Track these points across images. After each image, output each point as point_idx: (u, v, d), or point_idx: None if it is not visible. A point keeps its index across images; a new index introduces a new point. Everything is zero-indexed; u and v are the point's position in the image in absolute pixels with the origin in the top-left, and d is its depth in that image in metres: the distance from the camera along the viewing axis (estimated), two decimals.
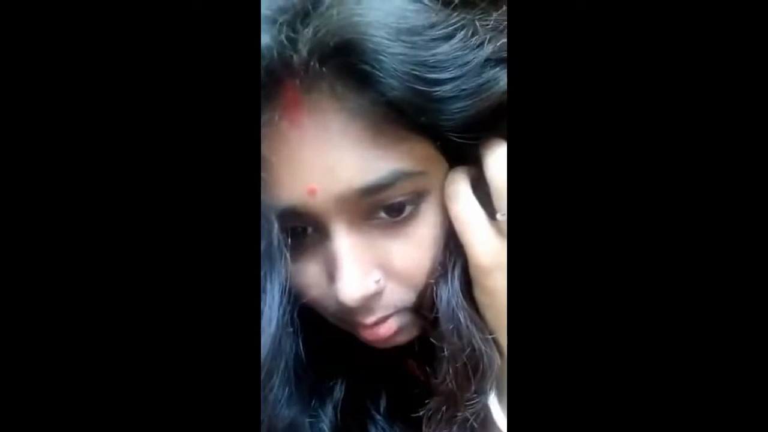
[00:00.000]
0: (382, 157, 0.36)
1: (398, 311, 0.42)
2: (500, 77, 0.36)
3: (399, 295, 0.41)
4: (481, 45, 0.36)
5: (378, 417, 0.51)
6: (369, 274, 0.39)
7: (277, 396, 0.41)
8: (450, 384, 0.41)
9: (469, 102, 0.35)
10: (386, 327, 0.42)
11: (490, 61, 0.36)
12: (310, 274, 0.41)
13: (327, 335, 0.47)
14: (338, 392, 0.49)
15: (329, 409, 0.48)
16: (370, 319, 0.41)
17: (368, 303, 0.40)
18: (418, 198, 0.39)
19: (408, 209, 0.38)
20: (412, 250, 0.40)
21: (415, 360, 0.55)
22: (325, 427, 0.48)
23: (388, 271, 0.40)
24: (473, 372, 0.40)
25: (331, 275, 0.39)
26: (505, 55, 0.36)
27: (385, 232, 0.39)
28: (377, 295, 0.40)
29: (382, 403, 0.52)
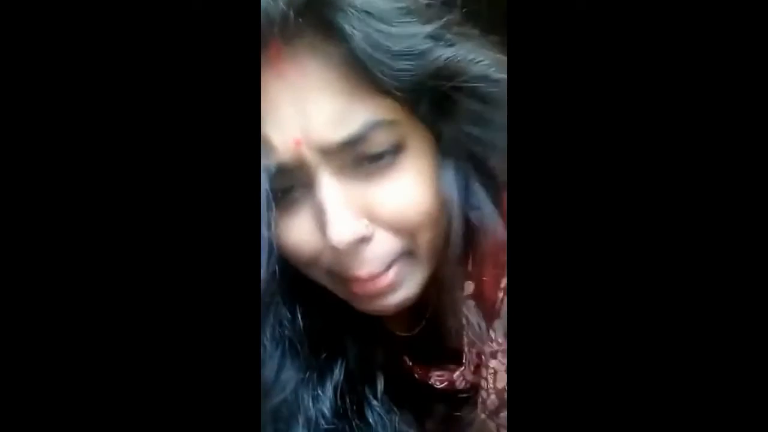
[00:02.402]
0: (358, 108, 0.38)
1: (393, 263, 0.42)
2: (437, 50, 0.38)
3: (389, 244, 0.41)
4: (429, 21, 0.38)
5: (375, 402, 0.53)
6: (356, 219, 0.40)
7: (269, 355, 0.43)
8: None
9: (413, 64, 0.37)
10: (383, 279, 0.42)
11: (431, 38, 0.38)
12: (302, 231, 0.41)
13: (328, 312, 0.48)
14: (338, 373, 0.50)
15: (329, 389, 0.50)
16: (364, 271, 0.41)
17: (360, 250, 0.41)
18: (397, 149, 0.40)
19: (387, 157, 0.39)
20: (396, 196, 0.40)
21: (410, 357, 0.56)
22: (325, 409, 0.49)
23: (376, 219, 0.40)
24: None
25: (321, 225, 0.40)
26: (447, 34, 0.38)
27: (369, 181, 0.40)
28: (368, 241, 0.41)
29: (379, 388, 0.53)
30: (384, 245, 0.41)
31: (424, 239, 0.42)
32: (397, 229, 0.41)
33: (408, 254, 0.43)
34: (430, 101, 0.39)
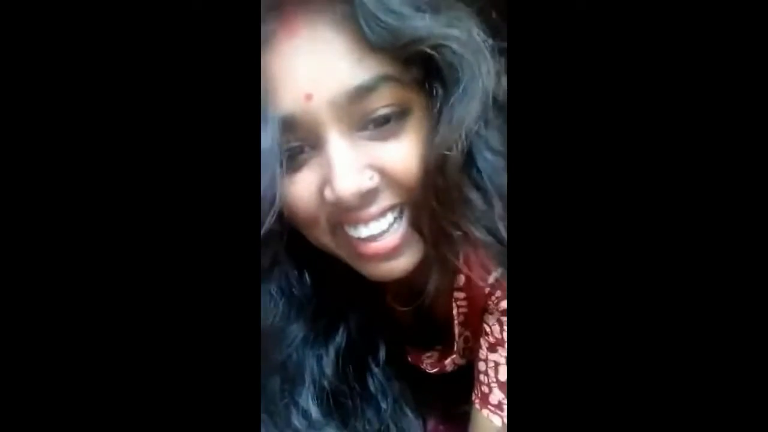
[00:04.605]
0: (367, 63, 0.39)
1: (396, 223, 0.43)
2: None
3: (393, 191, 0.43)
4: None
5: (376, 370, 0.55)
6: (362, 173, 0.41)
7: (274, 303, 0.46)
8: None
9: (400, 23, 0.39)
10: (388, 241, 0.43)
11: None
12: (304, 188, 0.42)
13: (333, 279, 0.50)
14: (340, 339, 0.52)
15: (332, 352, 0.52)
16: (366, 213, 0.42)
17: (365, 203, 0.42)
18: (402, 114, 0.41)
19: (393, 121, 0.41)
20: (401, 151, 0.41)
21: (406, 339, 0.58)
22: (328, 371, 0.51)
23: (381, 171, 0.42)
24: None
25: (328, 179, 0.41)
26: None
27: (375, 141, 0.41)
28: (373, 195, 0.42)
29: (381, 358, 0.55)
30: (387, 192, 0.42)
31: (426, 200, 0.42)
32: (401, 184, 0.42)
33: (410, 220, 0.43)
34: (418, 61, 0.40)
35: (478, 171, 0.41)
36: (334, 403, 0.52)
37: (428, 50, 0.39)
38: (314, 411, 0.50)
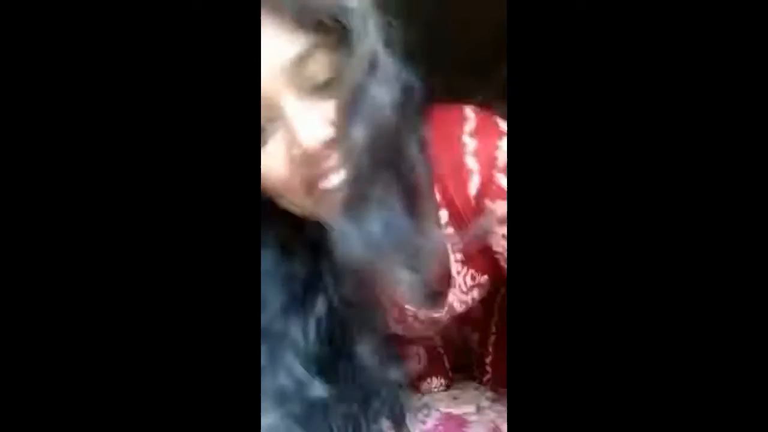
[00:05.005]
0: (298, 36, 0.45)
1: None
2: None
3: (351, 144, 0.47)
4: None
5: (361, 337, 0.57)
6: (319, 126, 0.46)
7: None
8: None
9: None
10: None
11: None
12: (274, 153, 0.47)
13: (309, 254, 0.54)
14: (320, 307, 0.55)
15: (313, 320, 0.55)
16: (333, 160, 0.47)
17: (328, 147, 0.46)
18: (335, 76, 0.47)
19: (332, 83, 0.47)
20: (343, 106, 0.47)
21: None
22: (312, 337, 0.55)
23: (333, 124, 0.47)
24: None
25: (291, 141, 0.46)
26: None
27: (322, 99, 0.47)
28: (332, 140, 0.47)
29: (366, 324, 0.57)
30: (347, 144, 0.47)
31: None
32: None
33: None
34: (332, 30, 0.46)
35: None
36: (322, 366, 0.55)
37: (331, 20, 0.45)
38: (300, 372, 0.53)
